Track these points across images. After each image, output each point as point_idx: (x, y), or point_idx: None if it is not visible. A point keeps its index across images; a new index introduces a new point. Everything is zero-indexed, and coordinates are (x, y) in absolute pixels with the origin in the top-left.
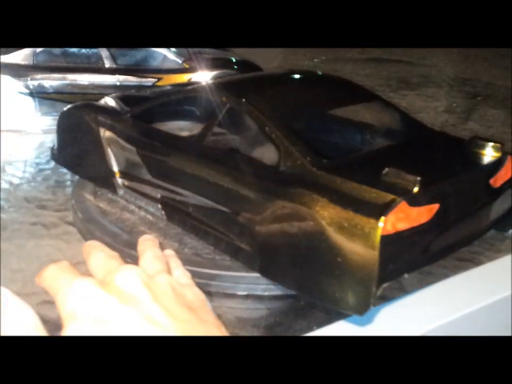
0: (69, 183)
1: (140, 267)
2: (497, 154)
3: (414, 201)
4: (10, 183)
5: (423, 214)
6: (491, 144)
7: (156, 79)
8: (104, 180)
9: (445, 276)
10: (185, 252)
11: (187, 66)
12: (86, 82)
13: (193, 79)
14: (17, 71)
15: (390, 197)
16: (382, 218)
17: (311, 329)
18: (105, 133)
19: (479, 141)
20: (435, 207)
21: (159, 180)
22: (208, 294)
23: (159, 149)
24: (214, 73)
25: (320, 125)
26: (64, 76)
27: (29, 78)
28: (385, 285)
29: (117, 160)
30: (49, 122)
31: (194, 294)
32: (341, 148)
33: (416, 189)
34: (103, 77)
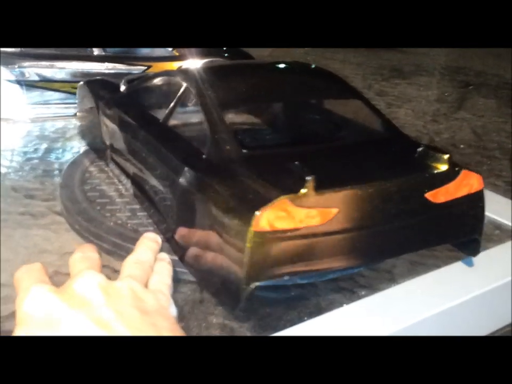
0: (57, 172)
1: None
2: (443, 167)
3: (303, 201)
4: None
5: (314, 216)
6: (438, 155)
7: (146, 67)
8: (100, 151)
9: (436, 266)
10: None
11: (177, 54)
12: (74, 70)
13: (184, 67)
14: (4, 58)
15: (274, 193)
16: (256, 213)
17: (301, 320)
18: (102, 107)
19: (427, 150)
20: (333, 211)
21: (131, 157)
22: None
23: (134, 127)
24: (204, 61)
25: (282, 114)
26: (52, 63)
27: (16, 66)
28: (258, 283)
29: (108, 134)
30: (37, 111)
31: (157, 299)
32: (289, 138)
33: (304, 189)
34: (91, 65)
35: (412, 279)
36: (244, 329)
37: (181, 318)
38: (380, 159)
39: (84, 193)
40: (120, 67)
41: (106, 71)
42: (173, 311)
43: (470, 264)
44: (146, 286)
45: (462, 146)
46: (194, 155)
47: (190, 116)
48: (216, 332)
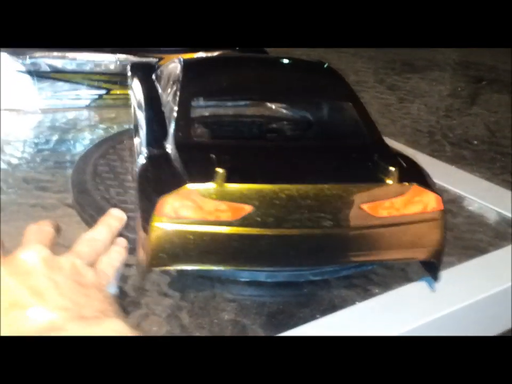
0: (68, 164)
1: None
2: (389, 181)
3: (212, 193)
4: (9, 164)
5: (224, 211)
6: (387, 167)
7: (157, 59)
8: (133, 132)
9: (450, 264)
10: None
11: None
12: (86, 61)
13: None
14: (15, 49)
15: (184, 180)
16: (160, 198)
17: (314, 318)
18: (134, 90)
19: (380, 161)
20: (246, 209)
21: (137, 137)
22: (209, 280)
23: (141, 106)
24: (216, 53)
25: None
26: (63, 54)
27: (27, 56)
28: (157, 269)
29: (136, 116)
30: (48, 101)
31: (96, 276)
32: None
33: (214, 181)
34: (103, 56)
35: (425, 277)
36: (256, 327)
37: (192, 314)
38: (327, 164)
39: (96, 186)
40: (132, 58)
41: (118, 62)
42: (112, 289)
43: (432, 285)
44: (93, 264)
45: (475, 142)
46: (158, 138)
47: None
48: (228, 329)
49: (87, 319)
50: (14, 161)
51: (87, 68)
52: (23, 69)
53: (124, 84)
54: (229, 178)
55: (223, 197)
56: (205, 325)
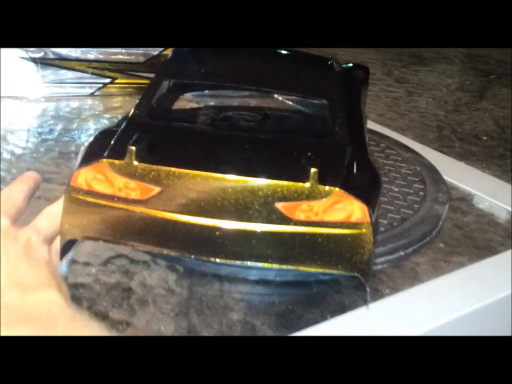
0: (73, 155)
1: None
2: (307, 182)
3: (123, 169)
4: (12, 153)
5: (134, 189)
6: (308, 168)
7: (163, 48)
8: None
9: (461, 264)
10: None
11: None
12: (90, 49)
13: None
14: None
15: (101, 155)
16: (76, 170)
17: (324, 318)
18: None
19: (304, 162)
20: (154, 189)
21: None
22: (218, 278)
23: None
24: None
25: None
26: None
27: None
28: (70, 238)
29: None
30: (51, 89)
31: (48, 253)
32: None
33: (125, 158)
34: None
35: (436, 278)
36: (265, 327)
37: (200, 313)
38: (255, 158)
39: None
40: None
41: (123, 51)
42: (63, 270)
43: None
44: (52, 239)
45: (484, 138)
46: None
47: None
48: (237, 329)
49: (25, 287)
50: (18, 151)
51: (92, 56)
52: (27, 55)
53: (128, 72)
54: (144, 158)
55: (134, 175)
56: (214, 325)
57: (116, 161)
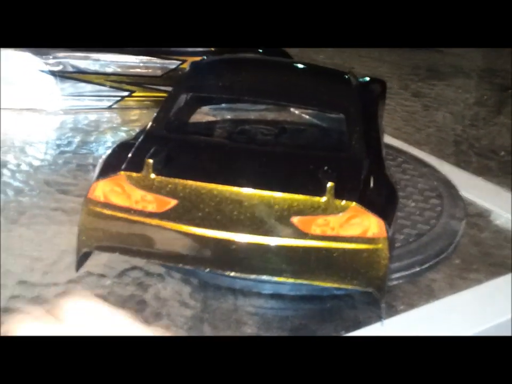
0: (90, 167)
1: None
2: (323, 197)
3: (140, 182)
4: (31, 165)
5: (150, 202)
6: (323, 182)
7: (180, 61)
8: None
9: (478, 281)
10: None
11: (213, 49)
12: (109, 62)
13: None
14: (39, 48)
15: (119, 168)
16: (94, 182)
17: (338, 334)
18: None
19: (324, 176)
20: (171, 202)
21: None
22: (233, 291)
23: None
24: (228, 56)
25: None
26: (86, 54)
27: (50, 56)
28: (87, 250)
29: None
30: (70, 102)
31: None
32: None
33: (142, 171)
34: (126, 57)
35: (452, 295)
36: None
37: (213, 327)
38: (271, 171)
39: None
40: (155, 60)
41: (141, 64)
42: None
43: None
44: None
45: (502, 153)
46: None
47: None
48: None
49: None
50: (36, 163)
51: (110, 69)
52: (46, 68)
53: (146, 86)
54: (161, 171)
55: (151, 188)
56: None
57: (134, 174)
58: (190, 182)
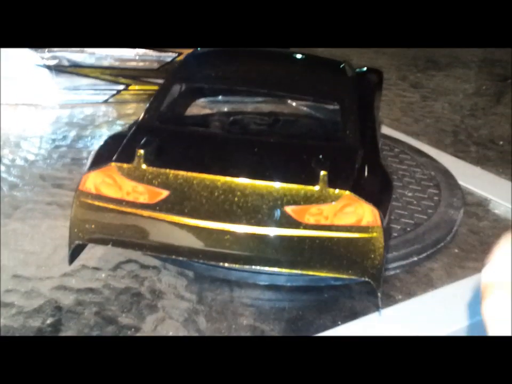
0: (85, 161)
1: None
2: (316, 186)
3: (131, 173)
4: (26, 160)
5: (142, 193)
6: (316, 171)
7: (176, 54)
8: None
9: (477, 270)
10: None
11: None
12: (104, 55)
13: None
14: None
15: (110, 159)
16: (84, 174)
17: (336, 324)
18: None
19: (314, 165)
20: (163, 193)
21: None
22: (228, 283)
23: None
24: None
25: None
26: (82, 48)
27: (46, 50)
28: (79, 242)
29: None
30: (66, 96)
31: None
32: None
33: (134, 162)
34: (122, 50)
35: (451, 284)
36: (274, 332)
37: (209, 319)
38: (264, 161)
39: None
40: (151, 53)
41: (137, 57)
42: None
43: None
44: None
45: (501, 143)
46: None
47: None
48: (246, 335)
49: None
50: (31, 157)
51: (106, 62)
52: (41, 63)
53: (142, 79)
54: (153, 162)
55: (142, 179)
56: (224, 330)
57: (125, 165)
58: (181, 173)
